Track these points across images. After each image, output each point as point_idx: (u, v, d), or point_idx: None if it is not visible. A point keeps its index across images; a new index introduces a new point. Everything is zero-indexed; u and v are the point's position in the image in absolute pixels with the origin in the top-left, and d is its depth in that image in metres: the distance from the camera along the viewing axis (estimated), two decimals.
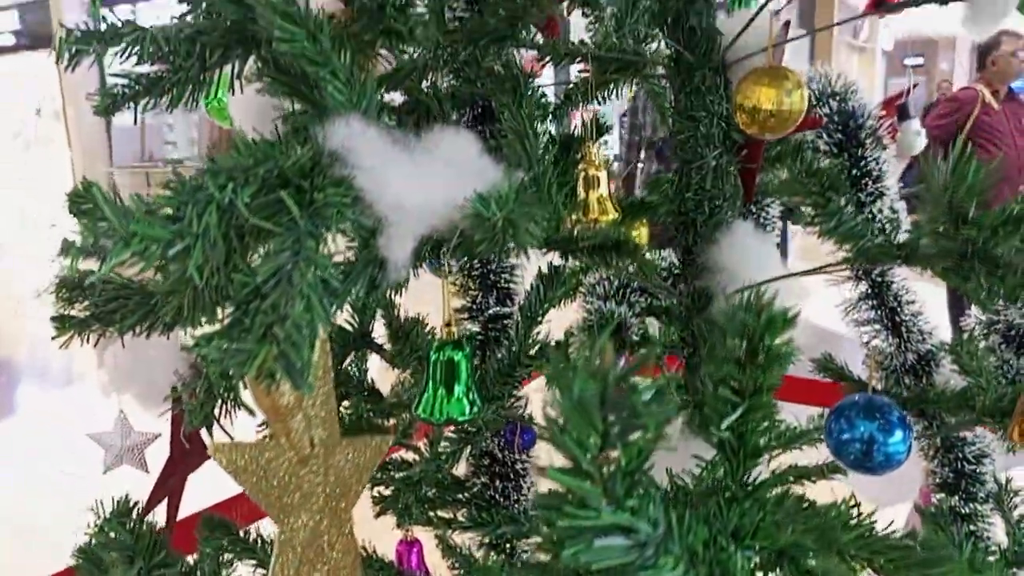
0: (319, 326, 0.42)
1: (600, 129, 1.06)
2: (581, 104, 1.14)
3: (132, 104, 0.63)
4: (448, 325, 0.79)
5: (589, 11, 1.26)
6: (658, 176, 1.22)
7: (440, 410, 0.79)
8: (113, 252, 0.46)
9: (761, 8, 0.82)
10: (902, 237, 0.72)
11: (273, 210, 0.52)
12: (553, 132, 1.09)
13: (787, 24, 0.84)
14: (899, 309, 1.08)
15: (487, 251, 0.53)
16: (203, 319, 0.51)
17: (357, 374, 1.19)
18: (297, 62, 0.52)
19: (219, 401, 0.87)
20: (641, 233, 1.23)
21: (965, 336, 0.93)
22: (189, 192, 0.49)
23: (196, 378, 0.89)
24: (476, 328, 1.19)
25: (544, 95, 0.95)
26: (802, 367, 0.91)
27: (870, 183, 1.08)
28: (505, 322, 1.22)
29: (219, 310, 0.50)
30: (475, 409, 0.80)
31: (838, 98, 1.10)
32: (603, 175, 0.86)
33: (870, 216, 0.74)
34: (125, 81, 0.63)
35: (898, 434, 0.78)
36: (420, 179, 0.52)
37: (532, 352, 0.97)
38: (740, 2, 0.95)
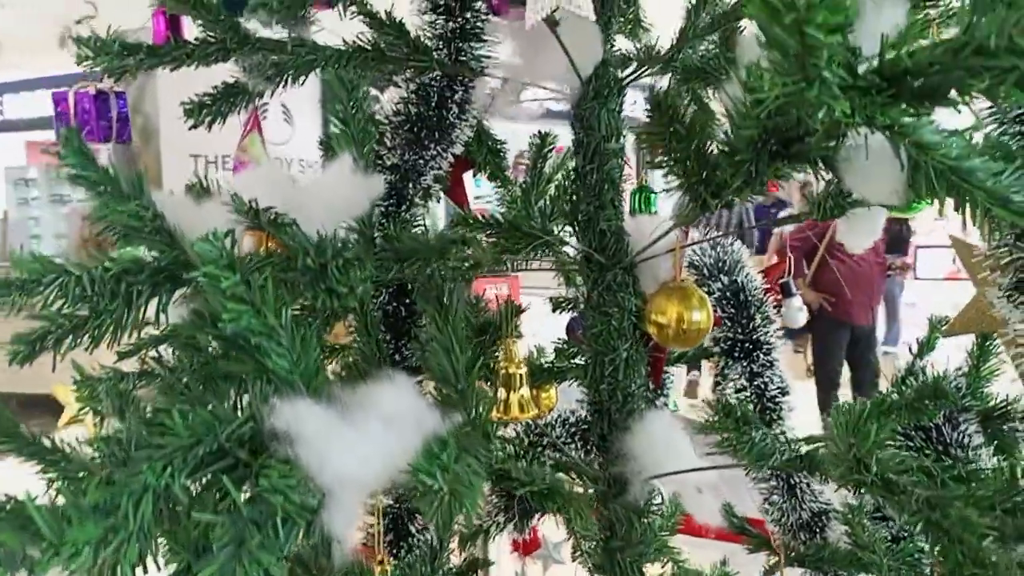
0: None
1: (517, 312, 1.10)
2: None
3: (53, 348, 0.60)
4: None
5: (499, 184, 1.32)
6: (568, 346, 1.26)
7: None
8: (40, 566, 0.43)
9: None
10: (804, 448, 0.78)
11: (214, 492, 0.51)
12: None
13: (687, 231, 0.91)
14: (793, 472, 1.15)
15: (432, 518, 0.53)
16: None
17: None
18: (241, 334, 0.52)
19: None
20: (550, 395, 1.26)
21: (856, 505, 0.99)
22: (123, 481, 0.47)
23: None
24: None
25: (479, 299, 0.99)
26: None
27: (761, 355, 1.17)
28: None
29: None
30: None
31: (728, 273, 1.19)
32: (523, 371, 0.88)
33: (779, 433, 0.80)
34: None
35: None
36: (362, 447, 0.52)
37: None
38: (642, 206, 1.03)
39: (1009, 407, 0.98)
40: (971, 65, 0.43)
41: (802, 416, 1.18)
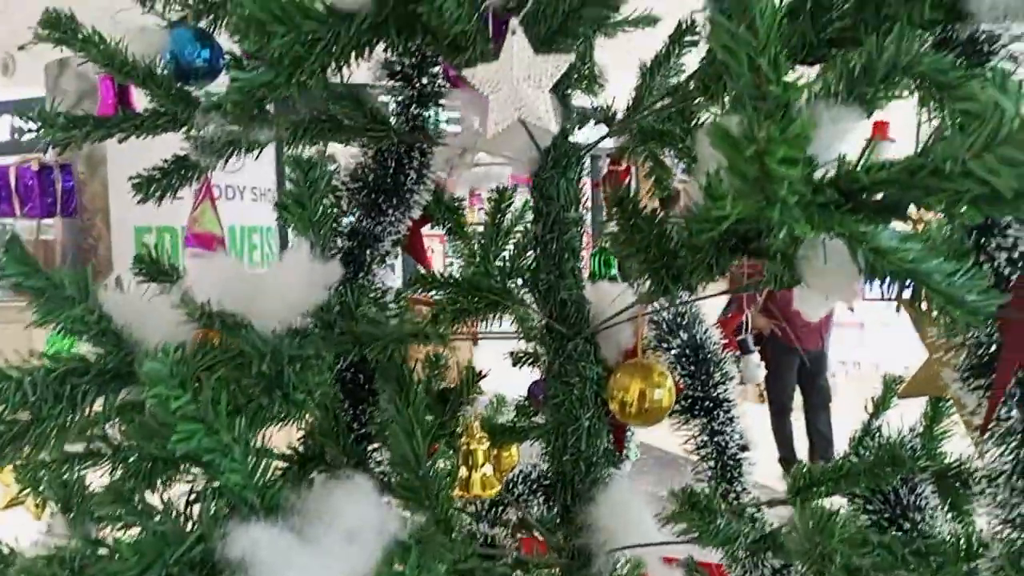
0: None
1: (477, 377, 1.09)
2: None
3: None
4: None
5: (457, 239, 1.31)
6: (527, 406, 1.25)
7: None
8: None
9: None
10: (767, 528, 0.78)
11: None
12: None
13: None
14: None
15: None
16: None
17: None
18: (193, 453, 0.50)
19: None
20: (512, 454, 1.25)
21: None
22: None
23: None
24: None
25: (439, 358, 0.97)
26: None
27: (721, 413, 1.17)
28: None
29: None
30: None
31: (687, 329, 1.19)
32: (484, 447, 0.87)
33: (744, 512, 0.80)
34: None
35: None
36: (321, 570, 0.51)
37: None
38: (602, 268, 1.03)
39: (962, 467, 1.00)
40: (927, 185, 0.44)
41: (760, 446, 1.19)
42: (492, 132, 0.54)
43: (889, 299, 0.65)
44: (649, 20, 1.34)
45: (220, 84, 0.93)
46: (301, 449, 0.96)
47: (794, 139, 0.40)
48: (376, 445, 1.10)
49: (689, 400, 1.16)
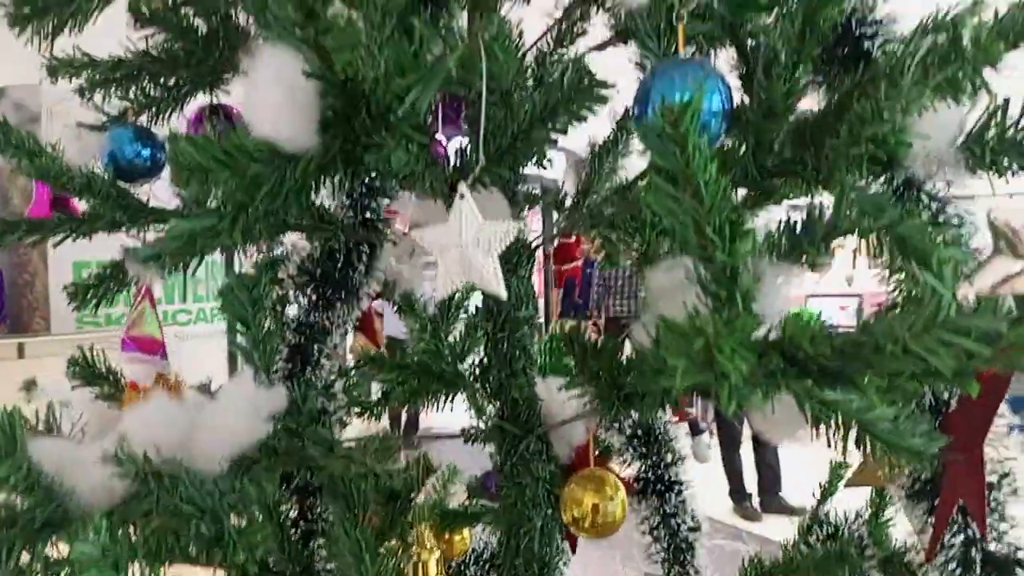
0: None
1: (430, 470, 1.07)
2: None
3: None
4: None
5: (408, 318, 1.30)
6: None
7: None
8: None
9: None
10: None
11: None
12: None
13: None
14: None
15: None
16: None
17: None
18: None
19: None
20: (464, 538, 1.23)
21: None
22: None
23: None
24: None
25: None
26: None
27: (674, 496, 1.18)
28: None
29: None
30: None
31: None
32: (436, 556, 0.85)
33: None
34: None
35: None
36: None
37: None
38: (553, 358, 1.03)
39: (907, 553, 1.01)
40: (869, 360, 0.45)
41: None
42: (441, 295, 0.53)
43: None
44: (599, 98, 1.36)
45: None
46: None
47: (742, 328, 0.40)
48: (323, 541, 1.07)
49: (641, 482, 1.16)
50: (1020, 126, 0.54)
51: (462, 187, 0.54)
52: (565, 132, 0.70)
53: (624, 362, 0.62)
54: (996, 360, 0.42)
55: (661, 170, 0.48)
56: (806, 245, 0.51)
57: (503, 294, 0.56)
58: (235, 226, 0.54)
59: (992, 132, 0.54)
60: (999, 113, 0.54)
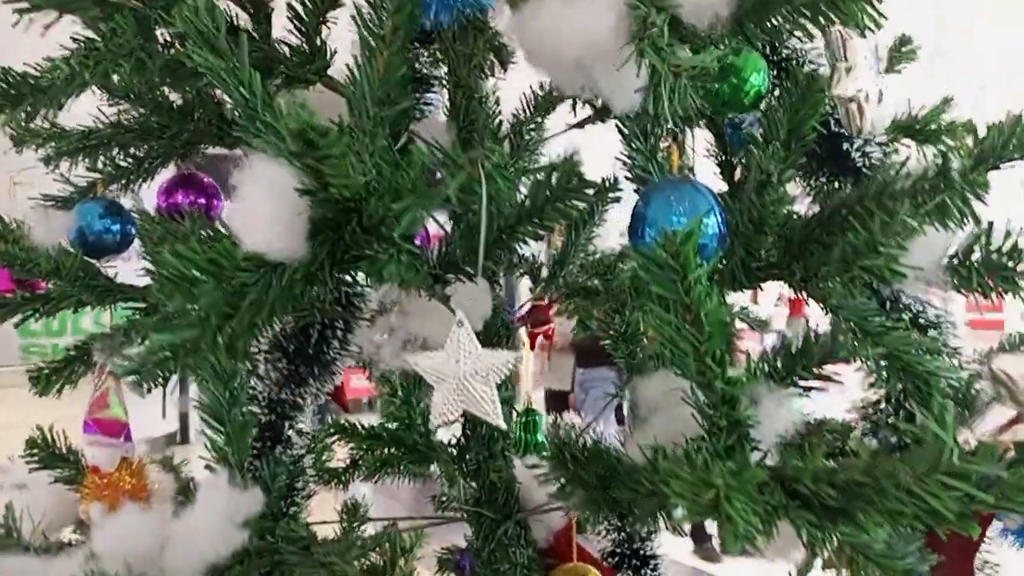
0: None
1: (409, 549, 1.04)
2: None
3: None
4: None
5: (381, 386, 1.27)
6: None
7: None
8: None
9: None
10: None
11: None
12: None
13: None
14: None
15: None
16: None
17: None
18: None
19: None
20: None
21: None
22: None
23: None
24: None
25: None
26: None
27: (649, 571, 1.16)
28: None
29: None
30: None
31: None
32: None
33: None
34: None
35: None
36: None
37: None
38: (528, 432, 1.02)
39: None
40: (872, 500, 0.45)
41: None
42: (437, 424, 0.52)
43: None
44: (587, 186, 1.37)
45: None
46: None
47: (752, 483, 0.40)
48: None
49: (617, 557, 1.15)
50: (1004, 249, 0.55)
51: (459, 314, 0.53)
52: (552, 229, 0.69)
53: (616, 473, 0.61)
54: (998, 505, 0.42)
55: (660, 298, 0.48)
56: (801, 369, 0.51)
57: (503, 425, 0.55)
58: (218, 339, 0.52)
59: (977, 254, 0.55)
60: (984, 236, 0.55)
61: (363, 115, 0.55)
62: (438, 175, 0.95)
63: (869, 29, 0.53)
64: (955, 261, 0.57)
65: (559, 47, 0.59)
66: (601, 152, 1.23)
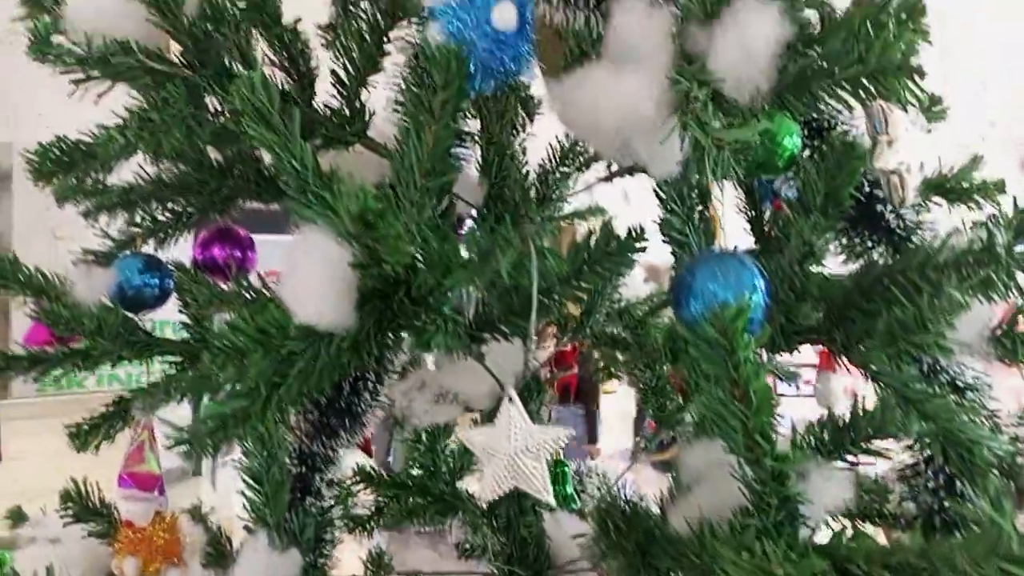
0: None
1: None
2: None
3: None
4: None
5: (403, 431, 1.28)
6: None
7: None
8: None
9: None
10: None
11: None
12: None
13: None
14: None
15: None
16: None
17: None
18: None
19: None
20: None
21: None
22: None
23: None
24: None
25: None
26: None
27: None
28: None
29: None
30: None
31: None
32: None
33: None
34: None
35: None
36: None
37: None
38: (555, 485, 1.02)
39: None
40: None
41: None
42: (488, 498, 0.52)
43: None
44: (595, 211, 1.38)
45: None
46: None
47: (809, 572, 0.40)
48: None
49: None
50: None
51: (509, 390, 0.54)
52: (590, 293, 0.70)
53: (654, 538, 0.61)
54: None
55: (709, 375, 0.48)
56: (849, 444, 0.51)
57: (552, 502, 0.55)
58: (268, 408, 0.53)
59: (1022, 326, 0.55)
60: None
61: (411, 186, 0.56)
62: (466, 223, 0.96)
63: (911, 104, 0.54)
64: (998, 332, 0.57)
65: (600, 117, 0.60)
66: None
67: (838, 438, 0.52)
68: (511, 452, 0.51)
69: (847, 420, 0.52)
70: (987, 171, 0.95)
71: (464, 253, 0.52)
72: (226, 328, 0.52)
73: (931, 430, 0.57)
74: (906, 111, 0.54)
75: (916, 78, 0.53)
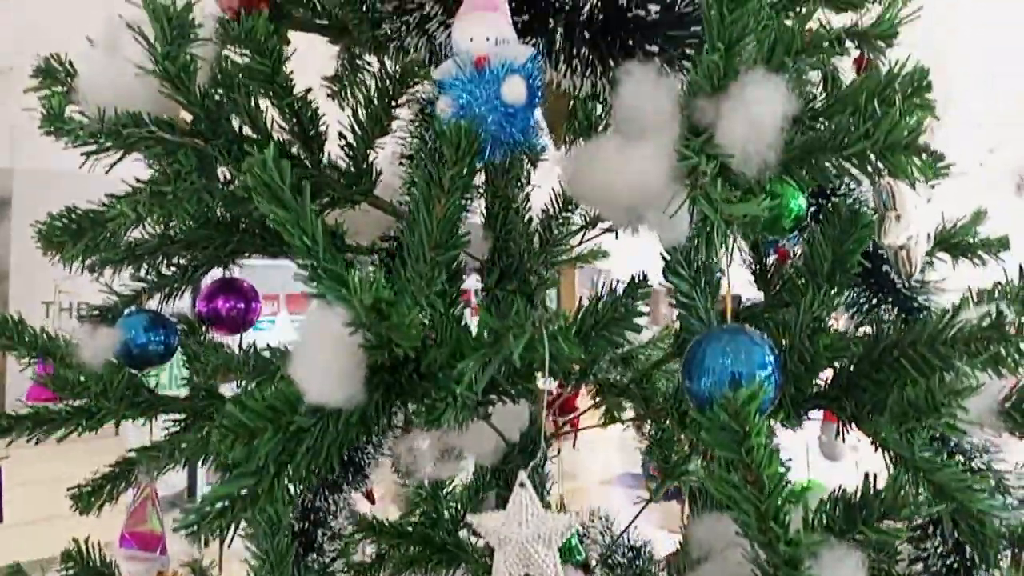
0: None
1: None
2: None
3: None
4: None
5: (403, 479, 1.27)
6: None
7: None
8: None
9: None
10: None
11: None
12: None
13: None
14: None
15: None
16: None
17: None
18: None
19: None
20: None
21: None
22: None
23: None
24: None
25: None
26: None
27: None
28: None
29: None
30: None
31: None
32: None
33: None
34: None
35: None
36: None
37: None
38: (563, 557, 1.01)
39: None
40: None
41: None
42: None
43: None
44: (598, 254, 1.39)
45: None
46: None
47: None
48: None
49: None
50: None
51: (522, 475, 0.53)
52: (597, 359, 0.70)
53: None
54: None
55: (721, 458, 0.48)
56: (861, 524, 0.51)
57: (560, 573, 0.54)
58: (275, 488, 0.53)
59: None
60: None
61: (420, 260, 0.56)
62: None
63: (919, 181, 0.54)
64: (1007, 405, 0.57)
65: (611, 191, 0.60)
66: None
67: (850, 517, 0.51)
68: (522, 539, 0.51)
69: (859, 499, 0.52)
70: (985, 197, 0.95)
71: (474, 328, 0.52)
72: (235, 408, 0.51)
73: (942, 504, 0.56)
74: (914, 188, 0.55)
75: (924, 155, 0.53)
